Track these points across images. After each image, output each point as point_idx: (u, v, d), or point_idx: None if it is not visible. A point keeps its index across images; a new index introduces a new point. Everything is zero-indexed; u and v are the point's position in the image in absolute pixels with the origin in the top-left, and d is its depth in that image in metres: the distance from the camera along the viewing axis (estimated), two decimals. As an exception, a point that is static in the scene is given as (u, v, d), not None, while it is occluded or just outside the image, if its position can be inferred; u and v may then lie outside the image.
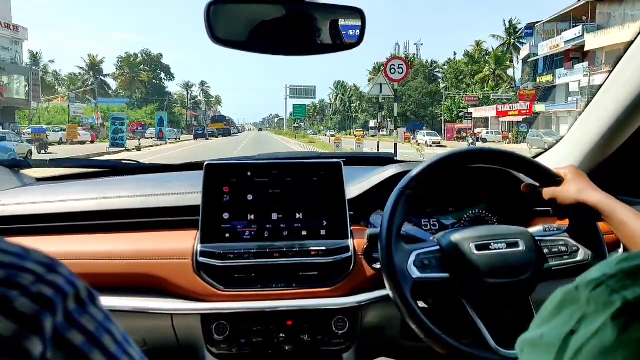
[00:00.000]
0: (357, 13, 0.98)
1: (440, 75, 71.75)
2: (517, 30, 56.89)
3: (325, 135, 70.56)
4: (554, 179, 1.06)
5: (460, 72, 61.87)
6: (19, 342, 0.30)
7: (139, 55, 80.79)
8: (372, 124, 77.42)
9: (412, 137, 44.80)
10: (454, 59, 66.72)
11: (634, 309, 0.33)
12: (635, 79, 1.20)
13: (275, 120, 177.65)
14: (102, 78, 75.18)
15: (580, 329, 0.35)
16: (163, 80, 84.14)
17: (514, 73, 57.95)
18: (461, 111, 54.48)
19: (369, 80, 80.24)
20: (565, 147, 1.48)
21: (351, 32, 1.00)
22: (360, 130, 70.17)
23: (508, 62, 56.65)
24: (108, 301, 1.18)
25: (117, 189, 1.41)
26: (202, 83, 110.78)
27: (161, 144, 33.94)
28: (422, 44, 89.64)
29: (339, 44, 1.00)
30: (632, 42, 1.20)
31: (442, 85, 65.26)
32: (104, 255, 1.23)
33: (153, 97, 76.52)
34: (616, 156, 1.39)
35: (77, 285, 0.36)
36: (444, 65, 70.67)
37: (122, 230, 1.30)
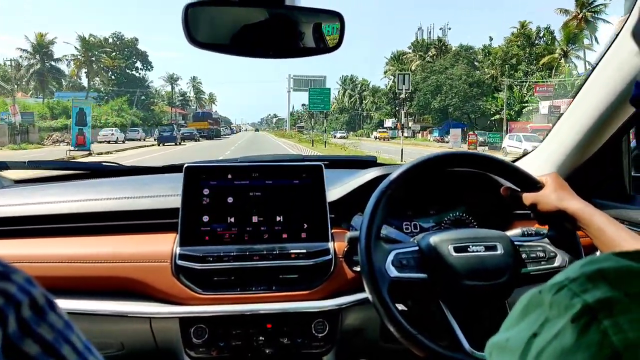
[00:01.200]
0: (337, 17, 0.99)
1: (477, 64, 54.61)
2: (590, 2, 43.42)
3: (335, 137, 58.09)
4: (535, 185, 1.07)
5: (513, 56, 46.82)
6: None
7: (110, 38, 64.54)
8: (388, 123, 67.07)
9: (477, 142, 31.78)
10: (490, 44, 53.34)
11: (593, 311, 0.33)
12: (610, 85, 1.23)
13: (274, 120, 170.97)
14: (53, 63, 58.80)
15: (542, 332, 0.35)
16: (139, 70, 67.70)
17: (584, 55, 44.77)
18: (525, 105, 42.84)
19: (386, 72, 70.33)
20: (543, 152, 1.50)
21: (331, 35, 1.01)
22: (384, 131, 59.61)
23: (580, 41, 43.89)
24: (85, 305, 1.17)
25: (96, 191, 1.39)
26: (193, 78, 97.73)
27: (79, 156, 19.66)
28: (449, 28, 77.16)
29: (319, 47, 1.01)
30: (606, 50, 1.22)
31: (483, 75, 50.26)
32: (82, 258, 1.21)
33: (127, 88, 61.09)
34: (592, 161, 1.41)
35: (33, 292, 0.34)
36: (483, 49, 53.74)
37: (101, 233, 1.29)
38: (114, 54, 63.83)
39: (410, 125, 58.85)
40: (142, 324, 1.19)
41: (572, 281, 0.36)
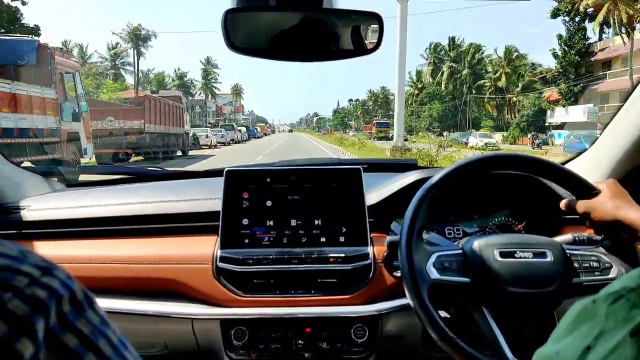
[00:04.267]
0: (375, 18, 0.98)
1: None
2: None
3: (471, 143, 31.56)
4: (590, 191, 1.02)
5: None
6: (10, 343, 0.30)
7: None
8: (562, 114, 36.77)
9: None
10: None
11: None
12: None
13: (314, 119, 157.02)
14: None
15: (597, 345, 0.33)
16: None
17: None
18: None
19: (560, 11, 36.12)
20: (596, 153, 1.42)
21: (370, 37, 0.99)
22: None
23: None
24: (131, 305, 1.20)
25: (141, 194, 1.44)
26: (208, 60, 69.01)
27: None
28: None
29: (358, 48, 1.00)
30: None
31: None
32: (127, 259, 1.25)
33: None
34: None
35: (73, 288, 0.36)
36: None
37: (145, 235, 1.33)
38: None
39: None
40: (185, 324, 1.21)
41: (630, 291, 0.34)
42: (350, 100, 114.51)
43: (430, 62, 62.27)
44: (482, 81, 54.00)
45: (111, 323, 0.38)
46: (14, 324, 0.31)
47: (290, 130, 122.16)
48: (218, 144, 30.67)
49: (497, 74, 51.30)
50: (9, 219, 1.35)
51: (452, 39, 59.43)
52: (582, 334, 0.35)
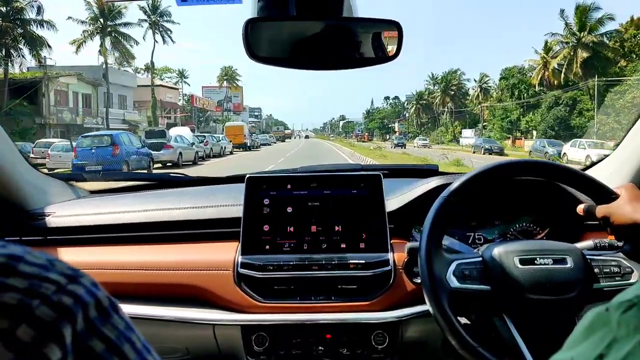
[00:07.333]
0: (394, 26, 0.98)
1: None
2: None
3: None
4: (609, 196, 1.02)
5: None
6: (37, 348, 0.31)
7: None
8: None
9: None
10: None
11: None
12: None
13: (341, 123, 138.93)
14: None
15: (609, 354, 0.33)
16: None
17: None
18: None
19: None
20: (616, 161, 1.41)
21: (389, 45, 1.00)
22: None
23: None
24: (154, 310, 1.22)
25: (163, 201, 1.46)
26: (154, 5, 37.17)
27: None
28: None
29: (378, 56, 1.01)
30: None
31: None
32: (151, 265, 1.27)
33: None
34: None
35: (98, 295, 0.37)
36: None
37: (168, 242, 1.35)
38: None
39: None
40: (206, 330, 1.23)
41: None
42: (387, 98, 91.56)
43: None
44: None
45: (135, 328, 0.39)
46: (42, 330, 0.32)
47: (307, 137, 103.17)
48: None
49: None
50: (35, 225, 1.38)
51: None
52: (595, 342, 0.35)
